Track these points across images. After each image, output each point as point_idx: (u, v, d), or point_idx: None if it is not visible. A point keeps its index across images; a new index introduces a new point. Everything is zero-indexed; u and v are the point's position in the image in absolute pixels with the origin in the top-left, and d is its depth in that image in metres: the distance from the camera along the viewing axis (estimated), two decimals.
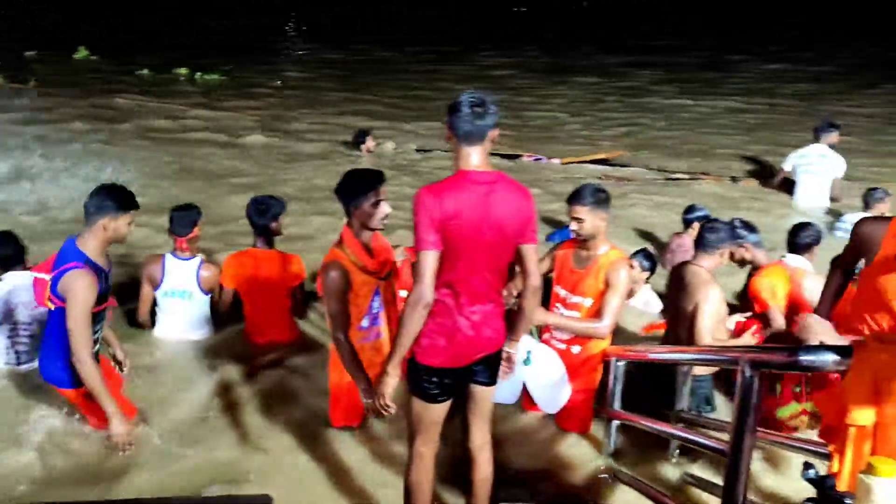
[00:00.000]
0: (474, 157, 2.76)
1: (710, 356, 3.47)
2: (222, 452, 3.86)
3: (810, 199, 8.28)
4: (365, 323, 3.68)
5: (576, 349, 4.02)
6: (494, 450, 3.84)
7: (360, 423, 3.96)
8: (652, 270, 5.58)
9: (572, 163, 9.85)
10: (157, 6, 28.23)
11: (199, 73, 15.13)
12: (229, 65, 16.36)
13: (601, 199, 3.84)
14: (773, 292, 4.68)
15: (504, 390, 3.79)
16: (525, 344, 3.78)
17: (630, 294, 5.17)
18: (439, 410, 2.99)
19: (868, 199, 7.09)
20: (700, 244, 4.26)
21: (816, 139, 8.37)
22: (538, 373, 3.75)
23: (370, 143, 9.92)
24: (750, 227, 5.03)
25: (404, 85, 15.41)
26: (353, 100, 13.86)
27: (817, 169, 8.24)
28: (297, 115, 12.38)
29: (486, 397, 3.08)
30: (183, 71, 15.31)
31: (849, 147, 10.59)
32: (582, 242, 3.94)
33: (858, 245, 3.12)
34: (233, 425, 4.08)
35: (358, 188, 3.47)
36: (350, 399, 3.75)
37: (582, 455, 3.97)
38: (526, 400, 4.11)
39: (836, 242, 6.29)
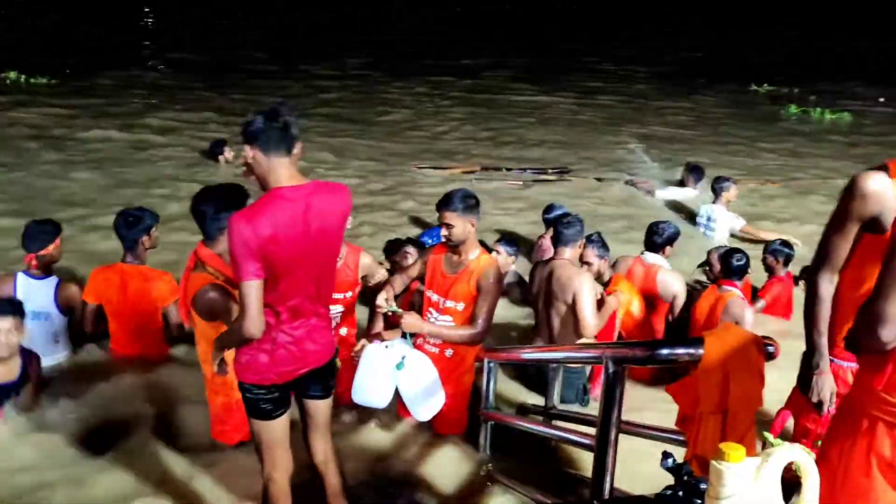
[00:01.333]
0: (284, 171, 2.67)
1: (576, 354, 3.59)
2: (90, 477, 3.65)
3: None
4: None
5: (449, 352, 4.04)
6: (372, 459, 3.83)
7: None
8: (516, 255, 5.88)
9: (423, 168, 9.98)
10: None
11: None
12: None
13: (470, 204, 3.87)
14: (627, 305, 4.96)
15: (375, 394, 3.78)
16: (399, 349, 3.77)
17: None
18: (277, 428, 2.93)
19: (715, 188, 7.60)
20: (559, 240, 4.49)
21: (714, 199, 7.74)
22: (411, 379, 3.74)
23: (228, 153, 9.48)
24: (605, 245, 5.14)
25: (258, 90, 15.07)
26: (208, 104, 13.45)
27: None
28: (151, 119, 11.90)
29: (322, 411, 3.07)
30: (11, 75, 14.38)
31: (693, 138, 11.53)
32: (452, 248, 3.97)
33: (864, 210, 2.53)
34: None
35: (228, 207, 3.34)
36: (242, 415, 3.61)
37: (459, 458, 3.99)
38: (401, 406, 4.10)
39: (703, 239, 6.76)
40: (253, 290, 2.59)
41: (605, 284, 5.00)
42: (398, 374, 3.70)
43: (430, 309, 4.09)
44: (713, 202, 7.66)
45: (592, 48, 23.99)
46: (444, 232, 3.91)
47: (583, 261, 4.92)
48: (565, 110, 14.78)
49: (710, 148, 11.56)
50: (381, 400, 3.82)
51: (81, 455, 3.83)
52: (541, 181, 9.77)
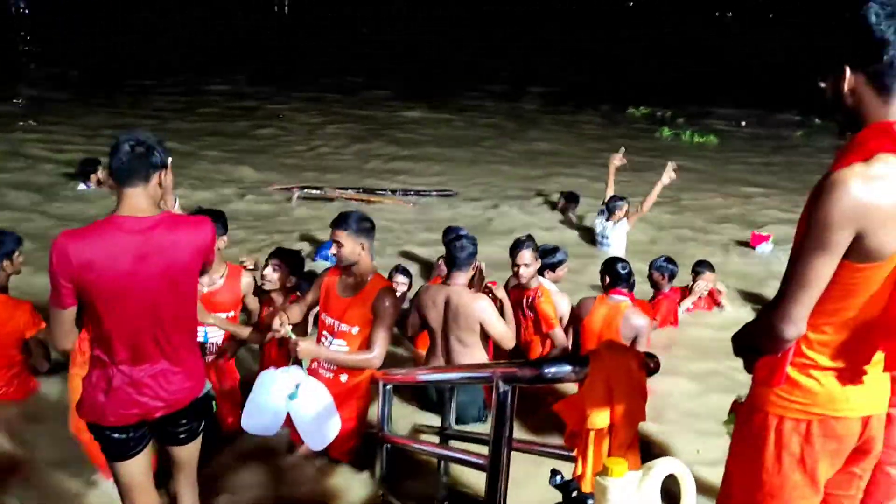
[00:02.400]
0: (132, 201, 2.53)
1: (469, 374, 3.62)
2: None
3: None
4: None
5: (343, 377, 3.98)
6: (263, 488, 3.72)
7: None
8: (410, 283, 5.87)
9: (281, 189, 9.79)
10: None
11: None
12: None
13: (364, 227, 3.87)
14: (555, 314, 5.05)
15: (265, 422, 3.70)
16: (293, 376, 3.69)
17: None
18: (131, 471, 2.78)
19: (609, 206, 7.91)
20: (453, 263, 4.52)
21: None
22: (305, 407, 3.67)
23: (101, 173, 8.87)
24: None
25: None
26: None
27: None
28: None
29: (183, 455, 2.90)
30: None
31: (569, 161, 12.01)
32: (346, 269, 3.94)
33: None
34: None
35: None
36: None
37: (354, 484, 3.94)
38: (294, 434, 4.02)
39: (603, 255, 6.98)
40: (65, 317, 2.56)
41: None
42: (291, 404, 3.62)
43: (325, 332, 4.03)
44: (606, 220, 7.98)
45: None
46: (333, 251, 3.90)
47: (518, 264, 5.01)
48: (453, 128, 15.02)
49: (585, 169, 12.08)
50: (271, 427, 3.73)
51: None
52: (438, 198, 9.93)
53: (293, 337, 3.71)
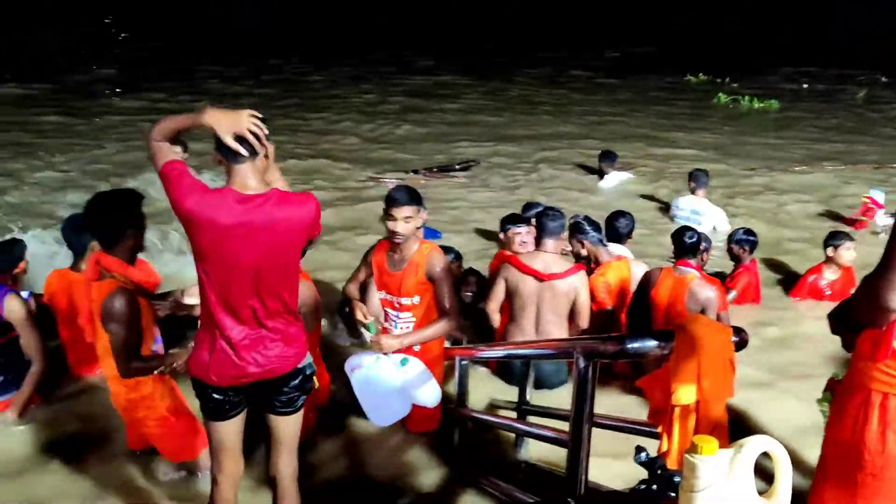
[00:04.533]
0: (240, 177, 2.65)
1: (548, 350, 3.57)
2: None
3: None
4: (154, 346, 3.53)
5: (417, 347, 3.98)
6: (344, 458, 3.76)
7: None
8: (460, 261, 5.72)
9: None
10: None
11: None
12: None
13: (419, 199, 3.84)
14: (608, 290, 4.94)
15: (391, 407, 3.77)
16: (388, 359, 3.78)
17: None
18: (223, 431, 2.87)
19: (697, 181, 7.67)
20: (545, 231, 4.53)
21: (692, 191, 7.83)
22: (415, 370, 3.75)
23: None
24: (593, 225, 5.17)
25: None
26: None
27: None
28: None
29: (282, 426, 2.94)
30: None
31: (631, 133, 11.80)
32: (394, 245, 3.90)
33: None
34: None
35: (125, 211, 3.30)
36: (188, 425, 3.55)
37: (432, 457, 3.96)
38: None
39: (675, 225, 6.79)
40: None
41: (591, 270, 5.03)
42: (403, 368, 3.70)
43: (387, 309, 4.06)
44: (692, 194, 7.74)
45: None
46: (399, 227, 3.79)
47: (573, 252, 5.06)
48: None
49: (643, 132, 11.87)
50: (402, 410, 3.80)
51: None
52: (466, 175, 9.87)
53: (374, 333, 3.76)
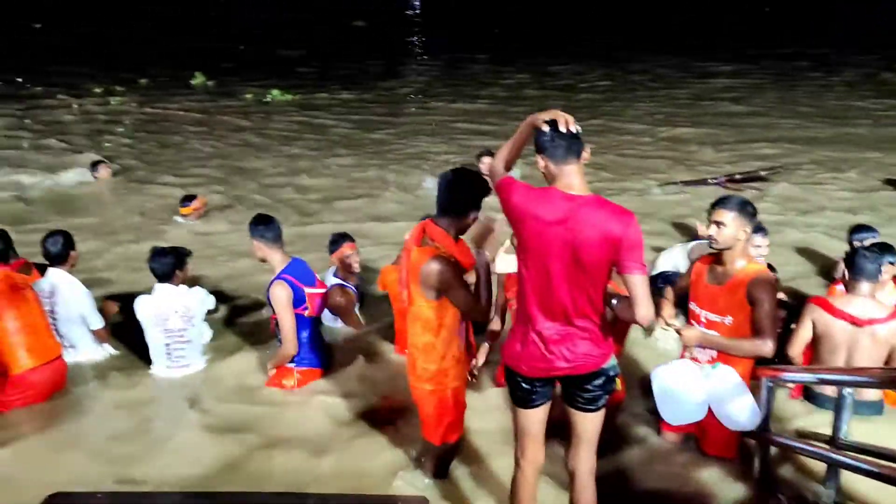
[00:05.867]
0: (567, 178, 2.78)
1: (871, 378, 3.19)
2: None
3: None
4: None
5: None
6: (626, 471, 3.68)
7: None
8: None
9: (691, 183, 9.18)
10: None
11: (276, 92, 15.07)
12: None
13: (748, 211, 3.67)
14: None
15: (685, 410, 3.73)
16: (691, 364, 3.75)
17: None
18: (528, 419, 3.02)
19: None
20: (862, 273, 4.18)
21: None
22: (723, 383, 3.64)
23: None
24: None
25: None
26: None
27: None
28: None
29: (582, 423, 3.00)
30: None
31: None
32: (718, 256, 3.75)
33: None
34: None
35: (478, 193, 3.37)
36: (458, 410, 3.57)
37: (723, 482, 3.72)
38: (663, 423, 3.94)
39: None
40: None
41: None
42: (713, 372, 3.63)
43: (692, 322, 3.88)
44: None
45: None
46: (712, 230, 3.68)
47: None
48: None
49: None
50: (696, 413, 3.75)
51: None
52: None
53: (677, 324, 3.72)
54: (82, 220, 7.69)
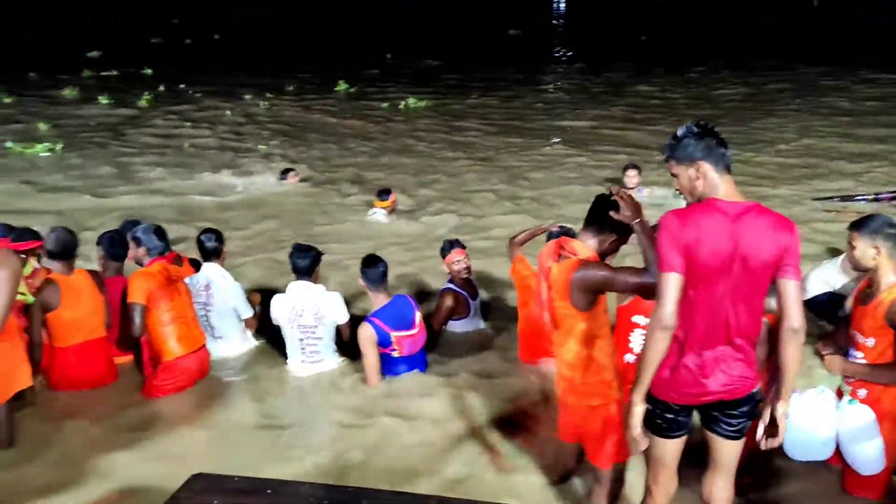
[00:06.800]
0: (728, 186, 2.69)
1: None
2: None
3: None
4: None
5: (862, 392, 3.54)
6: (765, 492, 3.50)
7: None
8: None
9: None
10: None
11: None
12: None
13: (878, 230, 3.49)
14: None
15: (812, 446, 3.50)
16: (825, 396, 3.52)
17: None
18: (665, 448, 2.88)
19: None
20: None
21: None
22: (853, 423, 3.40)
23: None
24: None
25: None
26: None
27: None
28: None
29: (724, 451, 2.88)
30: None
31: None
32: (869, 278, 3.59)
33: None
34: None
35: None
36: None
37: None
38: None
39: None
40: (672, 280, 2.58)
41: None
42: (849, 407, 3.42)
43: (850, 347, 3.67)
44: None
45: None
46: (848, 252, 3.66)
47: None
48: None
49: None
50: (823, 451, 3.54)
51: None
52: None
53: (826, 350, 3.60)
54: (273, 222, 8.15)
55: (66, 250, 4.63)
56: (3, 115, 13.52)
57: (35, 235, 4.64)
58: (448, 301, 5.25)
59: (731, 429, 2.82)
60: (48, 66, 17.92)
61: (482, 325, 5.52)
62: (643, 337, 2.94)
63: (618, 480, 3.39)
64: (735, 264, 2.62)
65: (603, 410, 3.21)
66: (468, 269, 5.35)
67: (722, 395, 2.74)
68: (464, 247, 5.42)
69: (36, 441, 4.09)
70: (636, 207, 3.00)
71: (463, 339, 5.34)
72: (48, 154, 10.79)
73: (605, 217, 3.11)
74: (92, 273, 4.81)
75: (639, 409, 2.71)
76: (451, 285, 5.34)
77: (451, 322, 5.37)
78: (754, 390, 2.79)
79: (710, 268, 2.61)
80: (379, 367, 4.69)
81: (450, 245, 5.37)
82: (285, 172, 9.71)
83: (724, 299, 2.66)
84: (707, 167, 2.68)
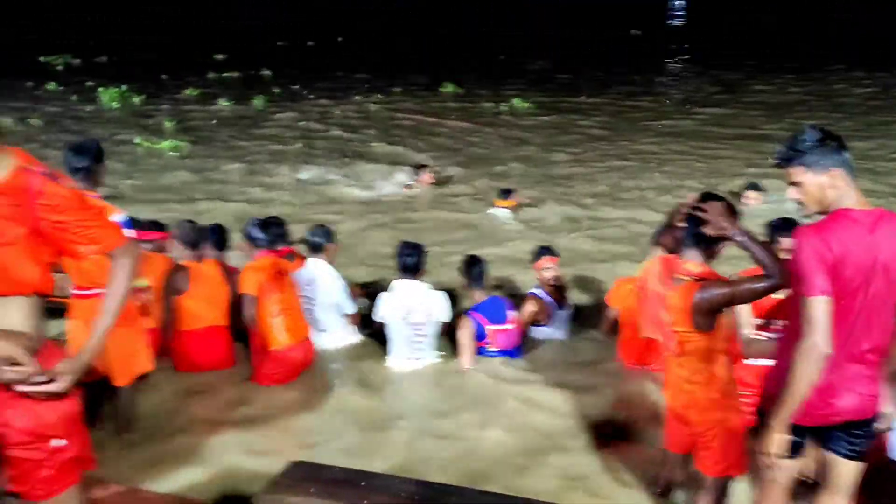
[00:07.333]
0: (858, 194, 2.56)
1: None
2: None
3: None
4: None
5: None
6: None
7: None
8: None
9: None
10: None
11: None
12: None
13: None
14: None
15: None
16: None
17: None
18: (782, 469, 2.72)
19: None
20: None
21: None
22: None
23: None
24: None
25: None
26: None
27: None
28: None
29: (844, 472, 2.72)
30: None
31: None
32: None
33: None
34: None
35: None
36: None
37: None
38: None
39: None
40: (822, 305, 2.44)
41: None
42: None
43: None
44: None
45: None
46: None
47: None
48: None
49: None
50: None
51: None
52: None
53: None
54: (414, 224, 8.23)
55: (193, 241, 4.98)
56: (134, 112, 14.39)
57: (160, 227, 4.93)
58: (531, 306, 5.24)
59: (850, 448, 2.68)
60: (177, 68, 18.91)
61: (564, 335, 5.42)
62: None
63: (723, 492, 3.23)
64: (875, 276, 2.51)
65: (724, 423, 3.08)
66: (557, 277, 5.35)
67: (852, 416, 2.63)
68: (557, 255, 5.40)
69: (146, 420, 4.30)
70: (727, 215, 2.83)
71: (544, 347, 5.32)
72: (174, 153, 11.27)
73: (700, 234, 2.93)
74: (221, 264, 5.11)
75: (781, 437, 2.58)
76: (537, 290, 5.33)
77: (533, 327, 5.35)
78: (877, 410, 2.65)
79: (854, 283, 2.50)
80: (475, 351, 4.95)
81: (541, 251, 5.37)
82: (419, 169, 9.65)
83: (861, 314, 2.55)
84: (840, 174, 2.54)
